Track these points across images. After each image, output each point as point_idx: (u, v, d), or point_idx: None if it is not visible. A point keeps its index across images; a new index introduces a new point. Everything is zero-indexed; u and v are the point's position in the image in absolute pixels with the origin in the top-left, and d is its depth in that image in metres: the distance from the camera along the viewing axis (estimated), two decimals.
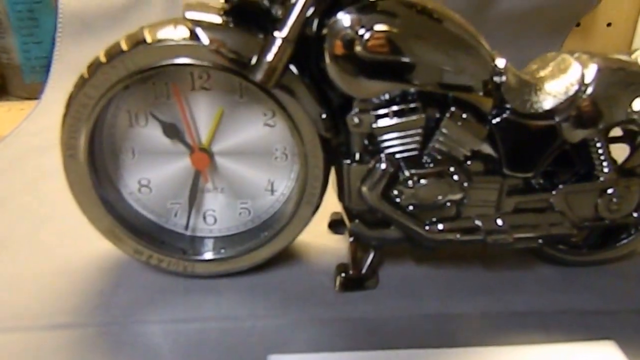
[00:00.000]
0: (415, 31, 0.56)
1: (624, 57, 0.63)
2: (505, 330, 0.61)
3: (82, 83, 0.58)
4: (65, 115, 0.60)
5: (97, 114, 0.60)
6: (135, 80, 0.58)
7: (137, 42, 0.57)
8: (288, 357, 0.56)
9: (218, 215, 0.70)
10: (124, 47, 0.56)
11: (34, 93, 1.36)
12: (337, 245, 0.76)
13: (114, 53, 0.57)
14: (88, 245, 0.74)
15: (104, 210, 0.65)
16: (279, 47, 0.55)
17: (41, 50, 1.34)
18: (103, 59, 0.57)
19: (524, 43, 1.36)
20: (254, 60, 0.55)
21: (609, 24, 1.43)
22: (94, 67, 0.57)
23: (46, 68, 1.34)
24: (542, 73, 0.64)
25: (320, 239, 0.77)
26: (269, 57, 0.55)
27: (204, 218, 0.70)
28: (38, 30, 1.33)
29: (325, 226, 0.80)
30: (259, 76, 0.55)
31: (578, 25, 1.41)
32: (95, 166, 0.64)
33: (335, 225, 0.79)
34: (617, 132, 0.69)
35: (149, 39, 0.56)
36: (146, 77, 0.60)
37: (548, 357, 0.57)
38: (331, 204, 0.69)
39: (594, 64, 0.61)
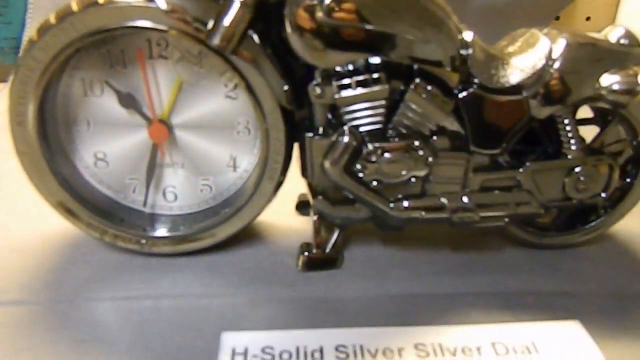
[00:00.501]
0: None
1: (594, 34, 0.62)
2: (470, 310, 0.60)
3: (30, 46, 0.55)
4: (13, 81, 0.57)
5: (47, 80, 0.57)
6: (87, 43, 0.56)
7: (89, 3, 0.54)
8: (241, 335, 0.54)
9: (179, 191, 0.67)
10: (75, 7, 0.54)
11: (2, 75, 1.32)
12: (303, 227, 0.74)
13: (64, 14, 0.54)
14: (43, 223, 0.71)
15: (56, 183, 0.62)
16: (237, 12, 0.53)
17: (10, 32, 1.30)
18: (53, 21, 0.54)
19: (503, 36, 1.36)
20: (210, 25, 0.53)
21: (587, 18, 1.43)
22: (44, 29, 0.55)
23: (15, 50, 1.30)
24: (510, 48, 0.63)
25: (286, 220, 0.75)
26: (226, 21, 0.53)
27: (164, 195, 0.67)
28: (8, 11, 1.29)
29: (293, 208, 0.78)
30: (215, 41, 0.53)
31: (557, 19, 1.41)
32: (47, 137, 0.61)
33: (302, 206, 0.77)
34: (587, 114, 0.68)
35: (101, 0, 0.54)
36: (99, 42, 0.57)
37: (513, 335, 0.55)
38: (300, 186, 0.67)
39: (562, 39, 0.60)
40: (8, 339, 0.54)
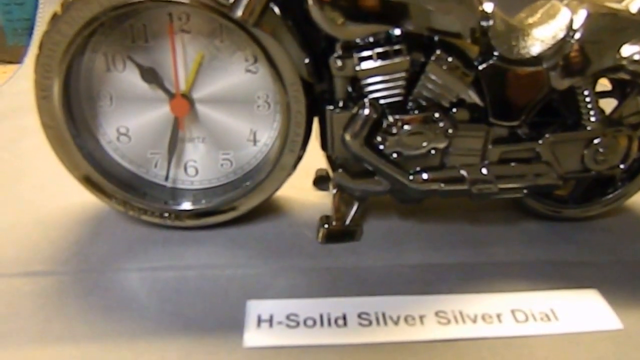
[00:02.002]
0: None
1: (614, 4, 0.62)
2: (489, 279, 0.61)
3: (55, 20, 0.56)
4: (38, 55, 0.58)
5: (72, 54, 0.58)
6: (110, 17, 0.56)
7: None
8: (266, 302, 0.55)
9: (199, 166, 0.68)
10: None
11: (17, 57, 1.33)
12: (322, 201, 0.75)
13: None
14: (66, 198, 0.72)
15: (81, 156, 0.63)
16: None
17: (23, 12, 1.31)
18: None
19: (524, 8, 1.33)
20: None
21: None
22: (68, 3, 0.55)
23: (29, 31, 1.31)
24: (530, 20, 0.63)
25: (305, 194, 0.76)
26: None
27: (185, 169, 0.68)
28: None
29: (310, 183, 0.79)
30: (238, 13, 0.54)
31: None
32: (72, 112, 0.62)
33: (320, 181, 0.78)
34: (606, 87, 0.68)
35: None
36: (122, 17, 0.58)
37: (532, 303, 0.56)
38: (318, 162, 0.67)
39: (583, 10, 0.60)
40: (38, 308, 0.55)
